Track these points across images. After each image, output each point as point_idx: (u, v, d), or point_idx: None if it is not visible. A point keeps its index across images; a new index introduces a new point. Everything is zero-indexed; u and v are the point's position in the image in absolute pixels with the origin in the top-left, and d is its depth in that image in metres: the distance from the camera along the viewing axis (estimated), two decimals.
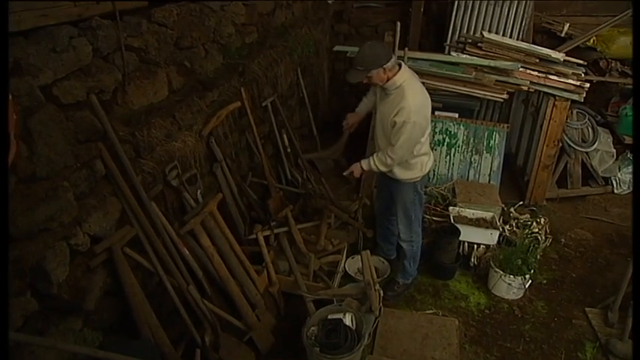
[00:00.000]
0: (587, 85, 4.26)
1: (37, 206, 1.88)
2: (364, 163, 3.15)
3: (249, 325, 2.89)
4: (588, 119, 4.70)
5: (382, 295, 3.08)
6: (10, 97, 1.67)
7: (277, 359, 2.98)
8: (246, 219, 3.63)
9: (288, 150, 4.43)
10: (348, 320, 2.80)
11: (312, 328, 2.82)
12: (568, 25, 5.14)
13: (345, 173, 3.29)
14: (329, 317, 2.83)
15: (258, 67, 3.82)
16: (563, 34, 5.16)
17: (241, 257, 3.02)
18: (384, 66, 2.83)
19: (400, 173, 3.19)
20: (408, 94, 2.87)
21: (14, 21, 1.76)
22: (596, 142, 4.64)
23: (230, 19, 3.52)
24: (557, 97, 4.32)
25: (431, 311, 3.44)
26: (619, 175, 4.83)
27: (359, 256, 3.65)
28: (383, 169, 3.09)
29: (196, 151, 2.98)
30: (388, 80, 2.91)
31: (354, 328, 2.80)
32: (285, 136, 4.38)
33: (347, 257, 3.70)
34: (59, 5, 1.99)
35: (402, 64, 2.97)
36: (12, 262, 1.78)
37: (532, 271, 3.55)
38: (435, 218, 4.09)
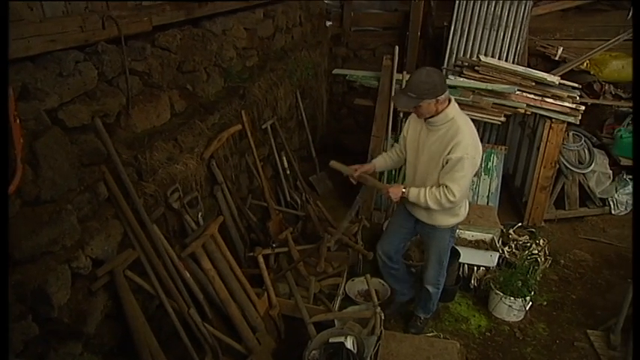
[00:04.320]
0: (583, 107, 4.33)
1: (41, 229, 1.88)
2: (412, 193, 2.77)
3: (250, 348, 2.86)
4: (584, 141, 4.76)
5: (383, 317, 3.06)
6: (18, 120, 1.69)
7: None
8: (246, 241, 3.63)
9: (288, 172, 4.46)
10: (349, 344, 2.77)
11: (314, 351, 2.79)
12: (562, 48, 5.25)
13: (383, 192, 2.98)
14: (330, 341, 2.81)
15: (259, 90, 3.87)
16: (557, 58, 5.27)
17: (242, 280, 3.00)
18: (438, 97, 2.58)
19: (443, 219, 2.92)
20: (464, 128, 2.62)
21: (23, 47, 1.79)
22: (593, 164, 4.68)
23: (231, 43, 3.58)
24: (553, 120, 4.38)
25: (432, 334, 3.41)
26: (616, 196, 4.87)
27: (359, 279, 3.65)
28: (433, 206, 2.73)
29: (197, 173, 2.99)
30: (438, 113, 2.66)
31: (355, 351, 2.77)
32: (284, 158, 4.41)
33: (347, 280, 3.68)
34: (67, 31, 2.02)
35: (452, 98, 2.73)
36: (14, 286, 1.77)
37: (532, 292, 3.55)
38: None
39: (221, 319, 2.88)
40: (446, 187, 2.66)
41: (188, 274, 2.68)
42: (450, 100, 2.69)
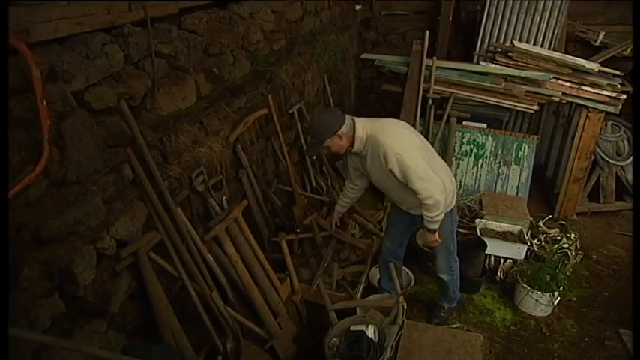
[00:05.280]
0: (624, 96, 4.13)
1: (67, 210, 1.91)
2: (427, 222, 2.77)
3: (271, 332, 2.88)
4: (624, 132, 4.55)
5: (405, 306, 3.03)
6: (45, 102, 1.71)
7: None
8: (271, 226, 3.63)
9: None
10: (370, 332, 2.76)
11: (334, 338, 2.79)
12: (603, 33, 5.01)
13: (428, 246, 3.05)
14: (351, 328, 2.80)
15: (286, 74, 3.84)
16: (597, 43, 5.03)
17: (264, 265, 3.01)
18: (339, 132, 2.61)
19: None
20: (380, 137, 2.63)
21: (51, 29, 1.80)
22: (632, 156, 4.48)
23: (259, 26, 3.55)
24: (590, 109, 4.20)
25: (455, 325, 3.36)
26: None
27: None
28: (438, 211, 2.69)
29: (222, 157, 3.00)
30: (353, 144, 2.69)
31: (376, 340, 2.75)
32: None
33: (371, 267, 3.65)
34: (94, 13, 2.03)
35: (355, 119, 2.70)
36: (42, 263, 1.82)
37: (561, 287, 3.44)
38: (461, 230, 4.02)
39: (243, 303, 2.90)
40: (416, 191, 2.65)
41: (211, 257, 2.71)
42: (354, 124, 2.67)
